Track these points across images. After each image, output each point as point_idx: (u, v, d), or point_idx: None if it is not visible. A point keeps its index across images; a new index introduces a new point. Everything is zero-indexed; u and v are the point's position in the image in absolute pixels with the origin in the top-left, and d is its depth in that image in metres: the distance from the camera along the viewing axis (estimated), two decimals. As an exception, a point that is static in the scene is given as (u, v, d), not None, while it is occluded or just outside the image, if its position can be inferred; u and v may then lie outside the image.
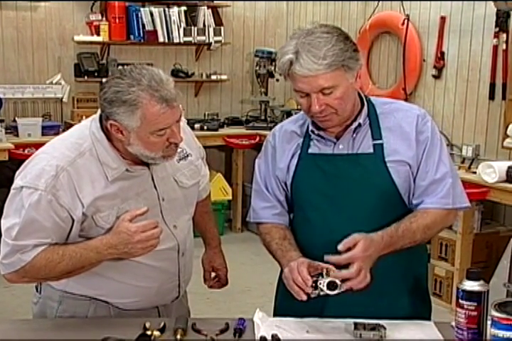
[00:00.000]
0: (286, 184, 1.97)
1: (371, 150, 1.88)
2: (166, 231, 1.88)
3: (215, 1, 6.03)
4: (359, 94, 1.91)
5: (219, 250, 2.29)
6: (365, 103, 1.91)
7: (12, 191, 1.78)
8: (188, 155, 1.99)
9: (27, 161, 1.82)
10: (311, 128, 1.91)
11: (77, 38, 5.58)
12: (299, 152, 1.94)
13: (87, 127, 1.83)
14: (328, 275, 1.70)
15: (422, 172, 1.89)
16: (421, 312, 1.98)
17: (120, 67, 5.44)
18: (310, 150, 1.93)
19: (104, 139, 1.80)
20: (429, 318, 1.98)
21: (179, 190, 1.94)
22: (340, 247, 1.71)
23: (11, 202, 1.77)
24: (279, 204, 2.00)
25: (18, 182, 1.77)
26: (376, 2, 5.24)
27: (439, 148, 1.90)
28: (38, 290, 1.97)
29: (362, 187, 1.86)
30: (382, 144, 1.87)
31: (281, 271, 1.88)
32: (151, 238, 1.74)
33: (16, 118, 5.26)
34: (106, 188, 1.78)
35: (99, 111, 1.81)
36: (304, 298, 1.71)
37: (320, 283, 1.69)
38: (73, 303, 1.90)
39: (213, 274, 2.27)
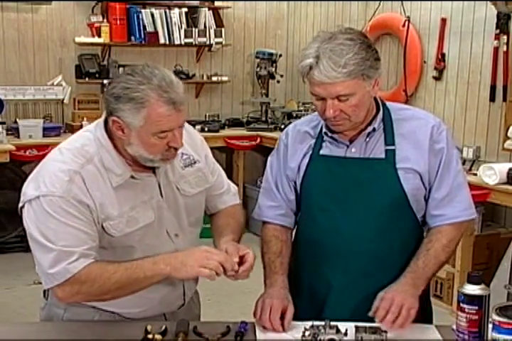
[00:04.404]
0: (295, 183, 1.98)
1: (383, 156, 1.88)
2: (166, 239, 1.86)
3: (215, 3, 6.04)
4: (375, 99, 1.91)
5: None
6: (381, 108, 1.91)
7: (27, 204, 1.71)
8: (195, 162, 1.94)
9: (35, 171, 1.77)
10: (324, 130, 1.92)
11: (78, 39, 5.58)
12: (310, 153, 1.95)
13: (92, 133, 1.79)
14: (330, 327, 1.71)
15: (440, 182, 1.89)
16: (422, 315, 1.97)
17: (121, 68, 5.56)
18: (321, 152, 1.93)
19: (110, 145, 1.77)
20: (430, 321, 1.98)
21: (181, 198, 1.89)
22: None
23: (31, 214, 1.70)
24: (285, 204, 2.01)
25: (32, 192, 1.71)
26: (377, 3, 5.24)
27: (456, 159, 1.92)
28: (45, 295, 1.94)
29: (371, 191, 1.87)
30: (394, 150, 1.87)
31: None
32: (211, 259, 1.70)
33: (17, 119, 5.25)
34: (112, 195, 1.75)
35: (103, 116, 1.78)
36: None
37: (320, 339, 1.69)
38: (78, 311, 1.87)
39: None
